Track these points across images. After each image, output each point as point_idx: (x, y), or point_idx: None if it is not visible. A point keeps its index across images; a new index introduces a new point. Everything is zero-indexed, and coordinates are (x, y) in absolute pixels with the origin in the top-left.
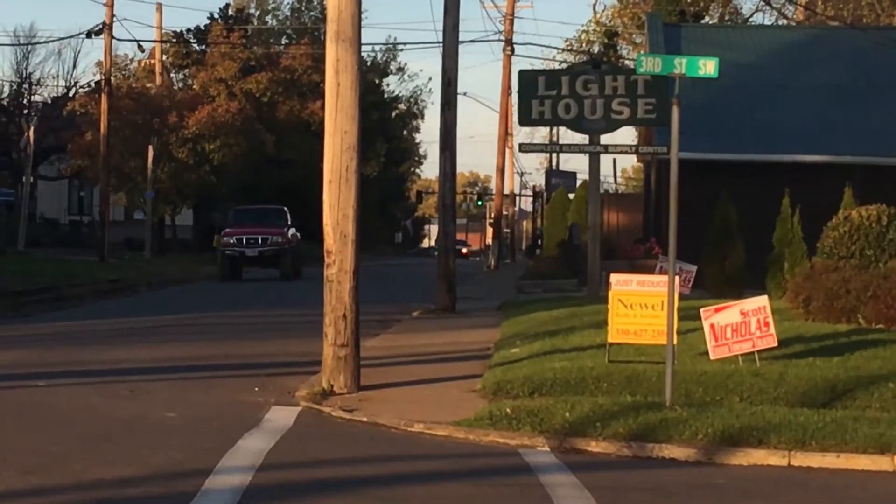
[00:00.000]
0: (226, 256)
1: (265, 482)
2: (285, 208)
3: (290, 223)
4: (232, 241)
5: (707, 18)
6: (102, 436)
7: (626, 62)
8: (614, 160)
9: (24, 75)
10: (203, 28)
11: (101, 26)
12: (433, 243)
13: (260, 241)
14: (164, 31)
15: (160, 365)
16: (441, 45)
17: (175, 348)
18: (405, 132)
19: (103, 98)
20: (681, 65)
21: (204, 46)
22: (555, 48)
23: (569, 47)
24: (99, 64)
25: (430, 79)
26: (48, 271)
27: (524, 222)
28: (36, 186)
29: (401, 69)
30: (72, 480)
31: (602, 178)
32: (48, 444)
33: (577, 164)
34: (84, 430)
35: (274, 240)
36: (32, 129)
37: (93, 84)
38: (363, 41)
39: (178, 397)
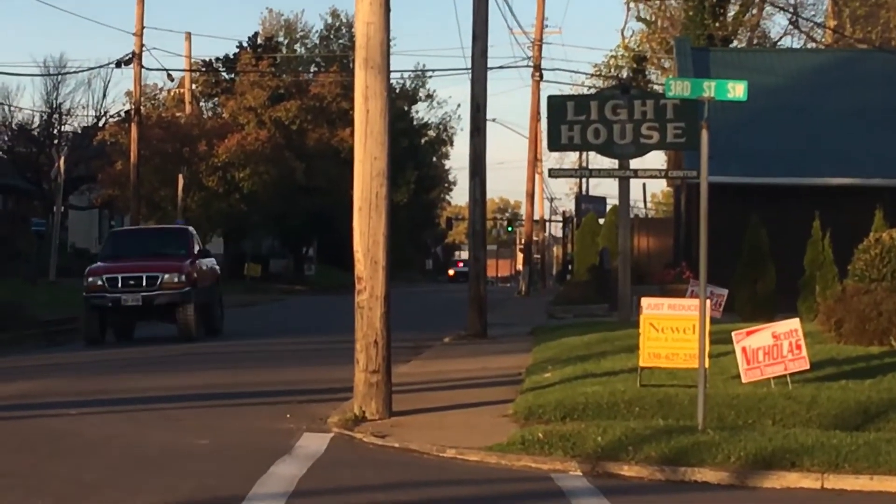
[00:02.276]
0: (93, 307)
1: None
2: (190, 229)
3: (197, 251)
4: (100, 282)
5: (735, 42)
6: (134, 464)
7: (655, 87)
8: (644, 185)
9: (54, 105)
10: (232, 56)
11: (130, 56)
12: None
13: (144, 283)
14: (193, 59)
15: (191, 392)
16: (470, 71)
17: (205, 376)
18: (434, 159)
19: (133, 127)
20: (710, 88)
21: (233, 75)
22: (583, 73)
23: (597, 72)
24: (128, 93)
25: (459, 105)
26: (79, 301)
27: (554, 248)
28: (66, 216)
29: (430, 96)
30: None
31: (632, 203)
32: (81, 473)
33: (606, 189)
34: (116, 458)
35: (167, 280)
36: (63, 158)
37: (122, 113)
38: (392, 68)
39: (210, 424)
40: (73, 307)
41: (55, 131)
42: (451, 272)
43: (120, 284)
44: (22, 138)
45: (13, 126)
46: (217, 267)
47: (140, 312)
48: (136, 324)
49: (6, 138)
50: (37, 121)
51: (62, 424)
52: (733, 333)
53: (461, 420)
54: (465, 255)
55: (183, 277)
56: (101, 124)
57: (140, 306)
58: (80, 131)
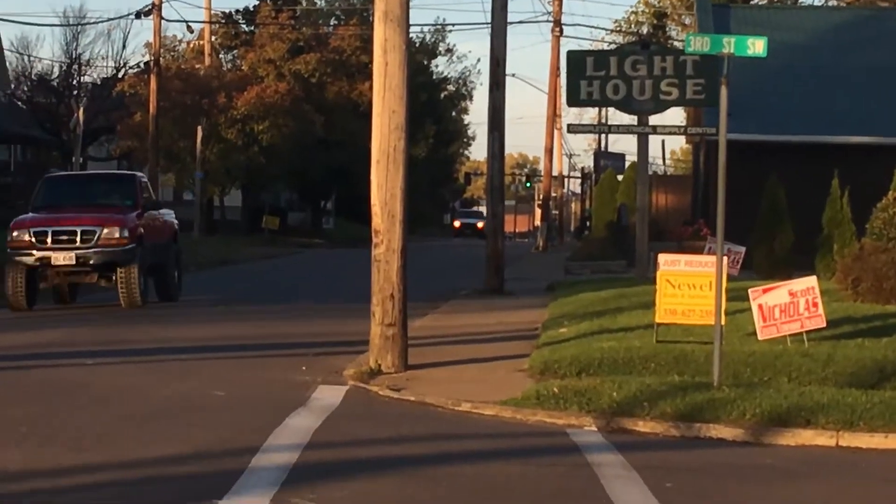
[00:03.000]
0: (17, 266)
1: (312, 460)
2: (139, 175)
3: (146, 202)
4: (27, 237)
5: None
6: (150, 414)
7: (675, 43)
8: (663, 141)
9: (73, 56)
10: (252, 9)
11: (150, 7)
12: (481, 225)
13: (79, 239)
14: (212, 11)
15: (208, 344)
16: (489, 25)
17: (223, 328)
18: (454, 113)
19: (152, 79)
20: (729, 44)
21: (252, 27)
22: (603, 29)
23: (617, 28)
24: (148, 45)
25: (479, 60)
26: None
27: (572, 204)
28: (85, 167)
29: (449, 50)
30: (120, 458)
31: (651, 160)
32: (96, 422)
33: (625, 145)
34: (131, 408)
35: (106, 235)
36: (82, 109)
37: (142, 65)
38: (411, 22)
39: (226, 376)
40: None
41: (74, 82)
42: (456, 223)
43: (50, 240)
44: (41, 89)
45: (33, 76)
46: (175, 221)
47: (73, 273)
48: (77, 286)
49: (25, 89)
50: (56, 71)
51: (78, 374)
52: (750, 290)
53: (477, 374)
54: (476, 208)
55: (126, 232)
56: (120, 75)
57: (73, 266)
58: (99, 82)
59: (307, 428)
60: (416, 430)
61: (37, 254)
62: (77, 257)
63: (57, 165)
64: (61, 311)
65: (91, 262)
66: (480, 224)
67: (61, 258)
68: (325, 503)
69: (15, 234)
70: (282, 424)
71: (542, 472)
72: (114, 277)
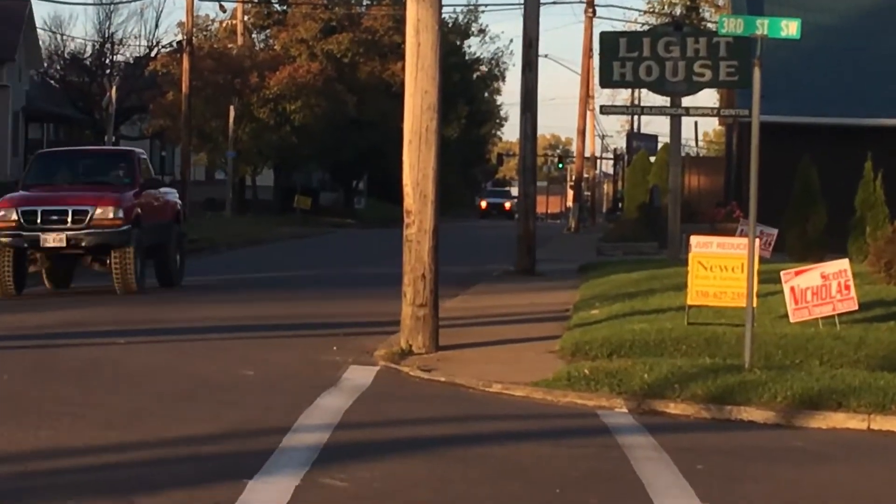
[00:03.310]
0: (3, 249)
1: (343, 440)
2: (138, 151)
3: (145, 180)
4: (14, 216)
5: None
6: (181, 393)
7: (708, 25)
8: (696, 123)
9: (106, 35)
10: None
11: None
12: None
13: (70, 219)
14: None
15: (238, 324)
16: (522, 6)
17: (253, 307)
18: (486, 94)
19: (185, 58)
20: (763, 26)
21: (285, 7)
22: (636, 10)
23: (650, 9)
24: (181, 24)
25: (512, 41)
26: None
27: (605, 185)
28: (118, 146)
29: (482, 31)
30: (151, 437)
31: (683, 142)
32: (127, 401)
33: (658, 126)
34: (162, 387)
35: (100, 215)
36: (114, 88)
37: (174, 44)
38: (444, 2)
39: (256, 356)
40: None
41: (107, 61)
42: (483, 204)
43: (39, 219)
44: (74, 68)
45: (65, 55)
46: (177, 201)
47: (64, 255)
48: (73, 269)
49: (58, 68)
50: (89, 50)
51: (110, 353)
52: (782, 273)
53: (508, 355)
54: (508, 188)
55: (120, 212)
56: (152, 55)
57: (63, 248)
58: (131, 61)
59: (338, 408)
60: (446, 410)
61: (25, 234)
62: (68, 239)
63: (90, 144)
64: (95, 288)
65: (83, 243)
66: (508, 204)
67: (51, 239)
68: (356, 483)
69: (2, 213)
70: (312, 404)
71: (573, 454)
72: (108, 261)
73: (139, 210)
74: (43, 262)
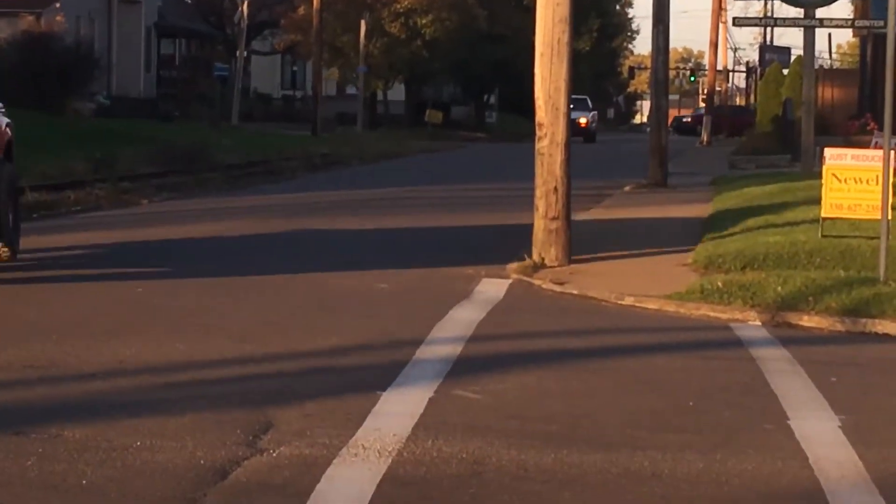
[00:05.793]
0: None
1: (475, 353)
2: None
3: None
4: None
5: None
6: (316, 305)
7: None
8: (829, 35)
9: None
10: None
11: None
12: (645, 119)
13: None
14: None
15: (371, 237)
16: None
17: (386, 220)
18: (618, 7)
19: None
20: None
21: None
22: None
23: None
24: None
25: None
26: (261, 145)
27: (737, 98)
28: (249, 61)
29: None
30: (285, 349)
31: (817, 54)
32: (263, 313)
33: (791, 39)
34: (298, 299)
35: None
36: (246, 3)
37: None
38: None
39: (389, 269)
40: (255, 151)
41: None
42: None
43: None
44: None
45: None
46: (8, 130)
47: None
48: None
49: None
50: None
51: (248, 266)
52: None
53: (640, 268)
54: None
55: None
56: None
57: None
58: None
59: (471, 321)
60: (578, 323)
61: None
62: None
63: (221, 59)
64: (228, 202)
65: None
66: (584, 120)
67: None
68: (489, 395)
69: None
70: (445, 317)
71: (706, 366)
72: None
73: None
74: None
